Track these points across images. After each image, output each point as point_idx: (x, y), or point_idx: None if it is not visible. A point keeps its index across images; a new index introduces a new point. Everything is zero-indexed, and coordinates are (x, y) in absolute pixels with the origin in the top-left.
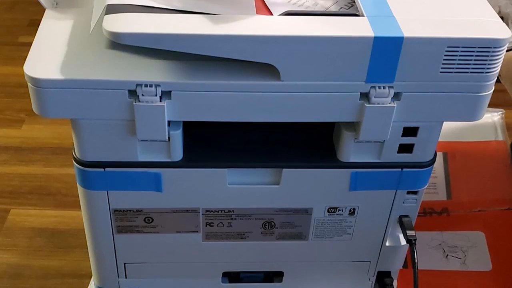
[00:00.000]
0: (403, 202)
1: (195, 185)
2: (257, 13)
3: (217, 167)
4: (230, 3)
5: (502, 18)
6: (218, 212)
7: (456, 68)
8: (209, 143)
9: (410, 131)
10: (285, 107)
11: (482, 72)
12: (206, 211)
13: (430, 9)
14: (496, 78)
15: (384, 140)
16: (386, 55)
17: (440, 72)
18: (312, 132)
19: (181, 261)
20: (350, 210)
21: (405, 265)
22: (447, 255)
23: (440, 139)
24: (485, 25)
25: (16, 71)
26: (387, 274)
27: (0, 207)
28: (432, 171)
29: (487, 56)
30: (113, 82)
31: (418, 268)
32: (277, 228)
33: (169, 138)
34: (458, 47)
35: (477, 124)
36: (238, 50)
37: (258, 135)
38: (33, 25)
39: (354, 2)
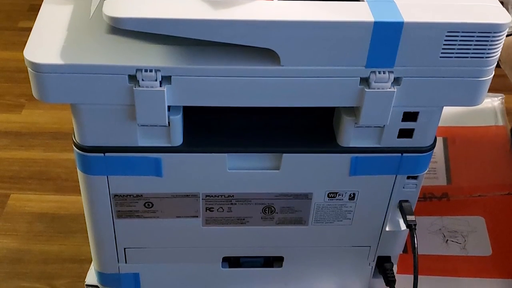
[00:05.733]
0: (403, 187)
1: (195, 170)
2: None
3: (217, 152)
4: None
5: (502, 3)
6: (218, 197)
7: (456, 53)
8: (209, 128)
9: (410, 116)
10: (285, 92)
11: (482, 57)
12: (206, 196)
13: None
14: (496, 63)
15: (384, 125)
16: (386, 40)
17: (440, 57)
18: (312, 117)
19: (181, 246)
20: (350, 195)
21: (405, 250)
22: (447, 240)
23: (440, 124)
24: (485, 10)
25: (16, 56)
26: (387, 259)
27: (0, 192)
28: (432, 156)
29: (487, 41)
30: (113, 67)
31: (418, 253)
32: (277, 213)
33: (169, 123)
34: (458, 32)
35: (477, 109)
36: (238, 35)
37: (258, 120)
38: (33, 10)
39: None
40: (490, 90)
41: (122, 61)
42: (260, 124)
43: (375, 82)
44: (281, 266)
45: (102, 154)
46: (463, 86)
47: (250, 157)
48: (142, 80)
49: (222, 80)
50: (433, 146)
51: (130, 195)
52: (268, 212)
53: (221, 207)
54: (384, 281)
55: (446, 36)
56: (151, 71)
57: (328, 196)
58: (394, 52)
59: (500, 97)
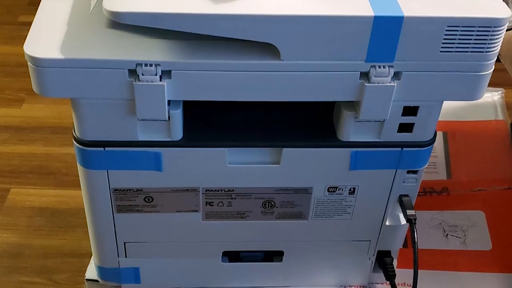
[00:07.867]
0: (403, 182)
1: (195, 164)
2: None
3: (217, 147)
4: None
5: None
6: (218, 191)
7: (456, 47)
8: (209, 123)
9: (410, 111)
10: (285, 87)
11: (482, 52)
12: (206, 190)
13: None
14: (496, 57)
15: (384, 120)
16: (386, 34)
17: (440, 51)
18: (312, 111)
19: (181, 240)
20: (350, 190)
21: (405, 245)
22: (447, 234)
23: (440, 119)
24: (485, 4)
25: (16, 51)
26: (387, 253)
27: (0, 187)
28: (432, 151)
29: (487, 35)
30: (113, 62)
31: (418, 247)
32: (277, 207)
33: (169, 117)
34: (458, 26)
35: (477, 103)
36: (238, 29)
37: (258, 114)
38: (34, 4)
39: None
40: (490, 85)
41: (122, 55)
42: (260, 118)
43: (375, 76)
44: (281, 260)
45: (102, 149)
46: (463, 80)
47: (250, 151)
48: (142, 74)
49: (222, 74)
50: (433, 140)
51: (130, 190)
52: (268, 207)
53: (221, 202)
54: (384, 276)
55: (446, 30)
56: (151, 65)
57: (328, 190)
58: (394, 47)
59: (500, 92)
